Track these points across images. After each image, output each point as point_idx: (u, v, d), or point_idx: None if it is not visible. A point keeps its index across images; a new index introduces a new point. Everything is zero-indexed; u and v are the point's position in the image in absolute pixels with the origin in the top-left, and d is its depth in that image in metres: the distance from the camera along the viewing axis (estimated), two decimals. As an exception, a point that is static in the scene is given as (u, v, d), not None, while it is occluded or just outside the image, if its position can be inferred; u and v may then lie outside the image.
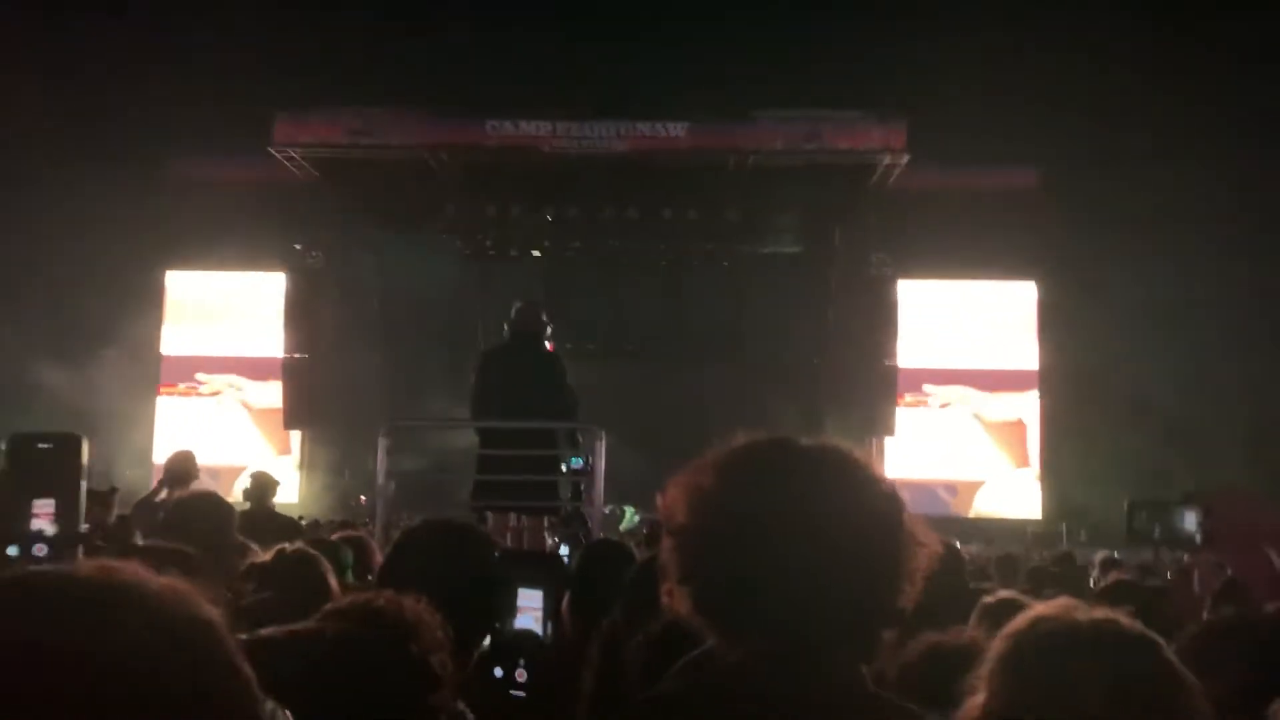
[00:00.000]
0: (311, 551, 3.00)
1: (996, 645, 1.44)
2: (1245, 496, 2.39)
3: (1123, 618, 1.43)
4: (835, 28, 21.89)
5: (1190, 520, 2.35)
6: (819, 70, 21.79)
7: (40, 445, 1.46)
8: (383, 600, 1.30)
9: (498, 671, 1.41)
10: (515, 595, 1.42)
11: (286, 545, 3.14)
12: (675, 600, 1.36)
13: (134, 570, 0.84)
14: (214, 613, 0.86)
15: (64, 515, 1.43)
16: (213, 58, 20.74)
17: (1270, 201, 20.48)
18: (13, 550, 1.40)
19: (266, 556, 3.26)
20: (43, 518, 1.42)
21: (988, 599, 2.74)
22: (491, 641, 1.42)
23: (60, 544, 1.42)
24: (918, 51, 20.74)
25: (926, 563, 1.34)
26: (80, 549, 1.45)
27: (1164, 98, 19.91)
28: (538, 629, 1.41)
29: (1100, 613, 1.44)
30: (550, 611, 1.42)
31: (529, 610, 1.42)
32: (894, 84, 21.25)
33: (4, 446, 1.50)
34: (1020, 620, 1.45)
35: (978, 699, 1.44)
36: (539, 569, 1.47)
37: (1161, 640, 1.43)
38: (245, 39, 20.48)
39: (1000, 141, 21.45)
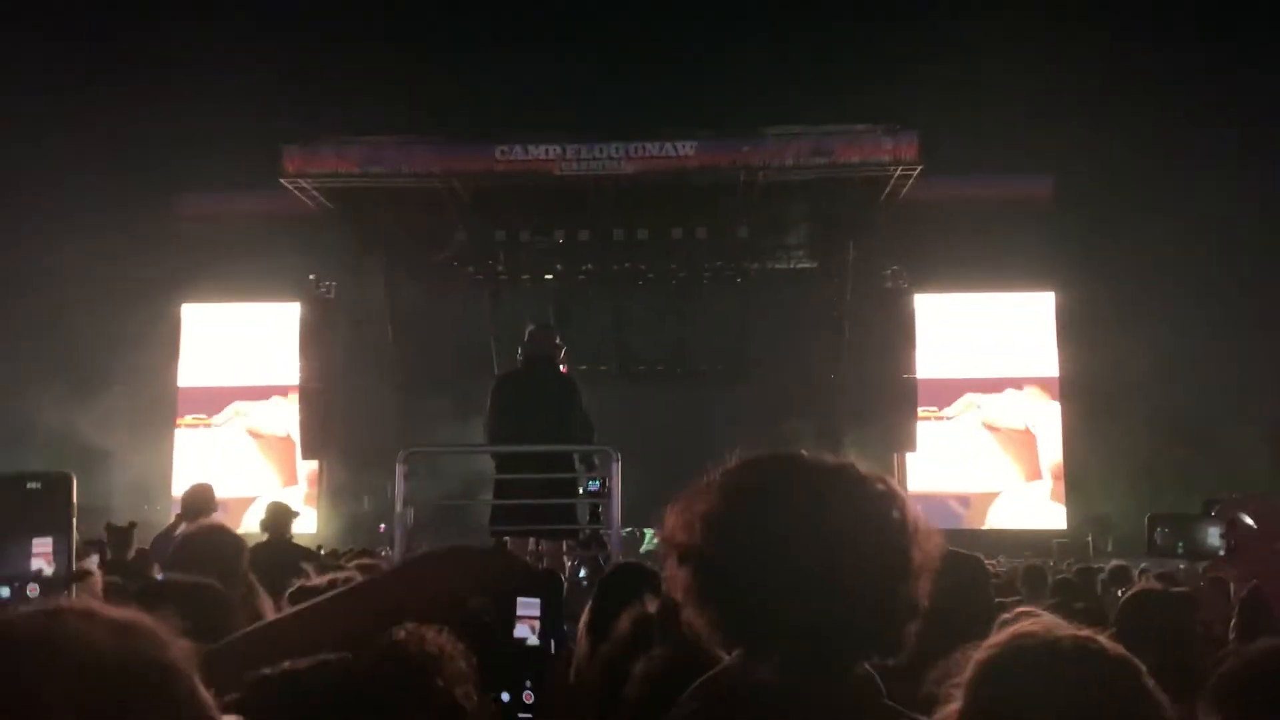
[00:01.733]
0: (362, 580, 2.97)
1: (976, 656, 1.42)
2: (1266, 503, 2.32)
3: (1104, 638, 1.40)
4: (842, 40, 21.95)
5: (1213, 534, 2.28)
6: (828, 84, 21.82)
7: (29, 485, 1.40)
8: (403, 633, 1.25)
9: (505, 696, 1.34)
10: (514, 605, 1.37)
11: (338, 575, 3.14)
12: (693, 622, 1.37)
13: (82, 611, 0.79)
14: (173, 652, 0.82)
15: (59, 555, 1.38)
16: (221, 91, 20.91)
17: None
18: (4, 591, 1.35)
19: (320, 580, 3.30)
20: (41, 557, 1.37)
21: (1006, 615, 2.66)
22: (493, 662, 1.35)
23: (53, 585, 1.37)
24: (928, 61, 20.75)
25: (936, 554, 1.38)
26: (73, 589, 1.40)
27: (1180, 102, 19.83)
28: (534, 639, 1.35)
29: (1084, 631, 1.42)
30: (549, 620, 1.36)
31: (526, 620, 1.36)
32: (904, 95, 21.22)
33: None
34: (1001, 636, 1.44)
35: (952, 706, 1.43)
36: (536, 576, 1.41)
37: (1140, 664, 1.39)
38: (253, 71, 20.65)
39: (1014, 150, 21.39)
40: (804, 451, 1.45)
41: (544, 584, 1.39)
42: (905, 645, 1.37)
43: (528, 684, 1.33)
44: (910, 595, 1.35)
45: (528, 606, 1.35)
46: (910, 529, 1.37)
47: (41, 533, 1.39)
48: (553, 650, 1.35)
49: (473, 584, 1.36)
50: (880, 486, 1.40)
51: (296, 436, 23.23)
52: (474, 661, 1.25)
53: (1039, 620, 1.47)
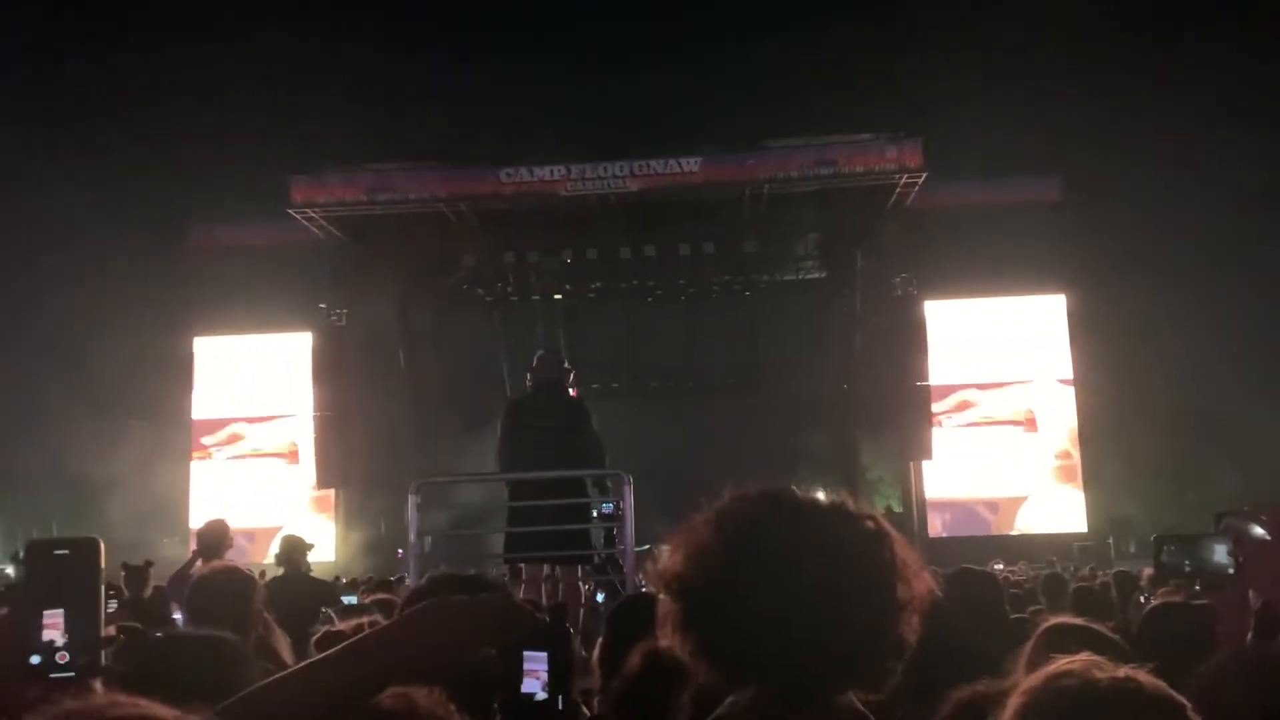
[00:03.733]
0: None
1: (1014, 701, 1.40)
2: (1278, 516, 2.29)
3: (1144, 677, 1.38)
4: (841, 49, 21.98)
5: (1220, 552, 2.27)
6: (829, 94, 21.86)
7: (57, 552, 1.44)
8: (389, 700, 1.24)
9: None
10: (520, 659, 1.37)
11: (363, 620, 3.15)
12: (680, 648, 1.40)
13: (94, 713, 0.76)
14: None
15: (80, 621, 1.42)
16: (228, 123, 21.08)
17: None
18: (35, 659, 1.39)
19: (345, 625, 3.31)
20: (52, 628, 1.40)
21: (1045, 624, 2.61)
22: (502, 714, 1.36)
23: (78, 651, 1.40)
24: (929, 68, 20.75)
25: (925, 592, 1.40)
26: (102, 654, 1.44)
27: (1186, 99, 19.78)
28: (542, 694, 1.35)
29: (1123, 671, 1.39)
30: (556, 673, 1.37)
31: (534, 674, 1.36)
32: (906, 102, 21.26)
33: (21, 554, 1.49)
34: (1038, 676, 1.42)
35: None
36: (543, 628, 1.40)
37: (1185, 701, 1.37)
38: (259, 103, 20.81)
39: (1019, 153, 21.36)
40: (795, 489, 1.47)
41: (551, 636, 1.39)
42: (887, 680, 1.38)
43: None
44: (894, 633, 1.37)
45: (535, 660, 1.36)
46: (898, 568, 1.39)
47: (55, 604, 1.42)
48: (560, 705, 1.35)
49: (478, 636, 1.36)
50: (869, 525, 1.41)
51: (312, 464, 23.33)
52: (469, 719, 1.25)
53: (1076, 659, 1.46)
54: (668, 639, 1.42)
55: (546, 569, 6.74)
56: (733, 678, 1.39)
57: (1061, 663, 1.41)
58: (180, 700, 0.86)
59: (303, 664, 1.37)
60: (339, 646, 1.37)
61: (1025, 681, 1.41)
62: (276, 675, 1.36)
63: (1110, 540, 20.46)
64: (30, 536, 20.23)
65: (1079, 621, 2.69)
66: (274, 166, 21.72)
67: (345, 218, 22.43)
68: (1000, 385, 23.28)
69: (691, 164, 21.54)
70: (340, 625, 3.63)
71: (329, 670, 1.32)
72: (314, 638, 3.40)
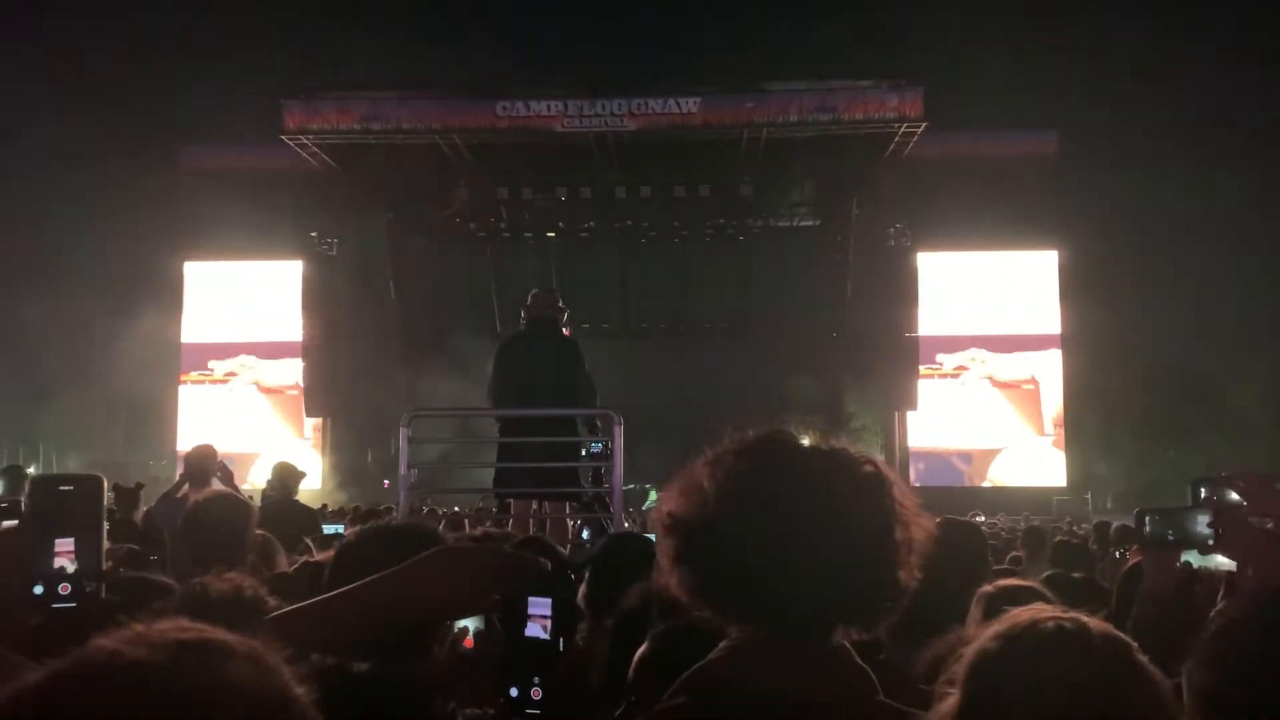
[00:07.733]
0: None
1: (968, 654, 1.44)
2: (1254, 480, 2.32)
3: (1091, 620, 1.42)
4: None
5: (1201, 523, 2.31)
6: (832, 39, 21.66)
7: (61, 487, 1.48)
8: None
9: (513, 691, 1.38)
10: (525, 603, 1.40)
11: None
12: (672, 585, 1.41)
13: (216, 644, 0.78)
14: (300, 691, 0.80)
15: (84, 554, 1.46)
16: (223, 47, 20.79)
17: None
18: (38, 589, 1.44)
19: (323, 558, 3.36)
20: (63, 556, 1.45)
21: (987, 588, 2.64)
22: (505, 657, 1.40)
23: (81, 581, 1.45)
24: (933, 16, 20.59)
25: (924, 537, 1.40)
26: (102, 587, 1.48)
27: (1186, 58, 19.69)
28: (545, 637, 1.39)
29: (1068, 615, 1.43)
30: (560, 618, 1.40)
31: (538, 618, 1.40)
32: (909, 50, 21.09)
33: (26, 489, 1.53)
34: (991, 628, 1.46)
35: (950, 702, 1.45)
36: (548, 575, 1.43)
37: (1130, 641, 1.41)
38: (255, 27, 20.48)
39: (1019, 107, 21.25)
40: (793, 432, 1.48)
41: (556, 582, 1.42)
42: (881, 621, 1.40)
43: (536, 680, 1.37)
44: (890, 574, 1.37)
45: (539, 605, 1.39)
46: (896, 511, 1.39)
47: (66, 533, 1.46)
48: (562, 648, 1.38)
49: (489, 585, 1.39)
50: (868, 468, 1.42)
51: (299, 392, 23.33)
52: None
53: (1026, 608, 1.49)
54: (662, 575, 1.44)
55: (534, 505, 6.81)
56: (726, 613, 1.40)
57: (1010, 613, 1.45)
58: None
59: (319, 599, 1.38)
60: (353, 585, 1.39)
61: (977, 635, 1.44)
62: (283, 610, 1.37)
63: (1088, 495, 20.71)
64: (15, 455, 20.29)
65: (1012, 582, 2.72)
66: (268, 90, 21.43)
67: (338, 146, 22.19)
68: (988, 337, 23.35)
69: (690, 104, 21.31)
70: (319, 557, 3.67)
71: (355, 602, 1.34)
72: (293, 566, 3.44)
